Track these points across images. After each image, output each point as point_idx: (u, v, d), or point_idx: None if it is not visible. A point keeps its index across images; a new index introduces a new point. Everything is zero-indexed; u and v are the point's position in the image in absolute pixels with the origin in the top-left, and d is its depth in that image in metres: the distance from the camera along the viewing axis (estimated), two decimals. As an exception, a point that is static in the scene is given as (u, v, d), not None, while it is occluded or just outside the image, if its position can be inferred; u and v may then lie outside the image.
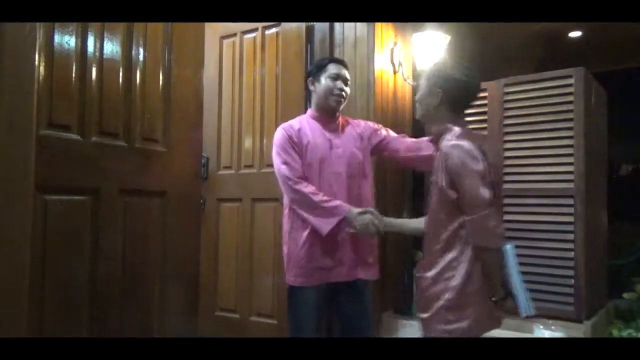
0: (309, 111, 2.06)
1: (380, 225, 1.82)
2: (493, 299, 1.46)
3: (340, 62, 2.06)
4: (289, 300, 1.96)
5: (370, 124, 2.14)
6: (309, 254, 1.89)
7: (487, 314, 1.46)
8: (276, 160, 1.93)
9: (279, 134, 1.97)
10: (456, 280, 1.44)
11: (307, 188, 1.86)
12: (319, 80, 2.01)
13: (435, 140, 1.61)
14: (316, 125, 1.99)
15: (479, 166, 1.43)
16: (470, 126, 2.59)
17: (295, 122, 2.01)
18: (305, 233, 1.89)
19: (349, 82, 2.05)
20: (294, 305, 1.94)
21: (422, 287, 1.54)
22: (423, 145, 2.00)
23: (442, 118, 1.59)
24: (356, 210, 1.84)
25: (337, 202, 1.85)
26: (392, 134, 2.12)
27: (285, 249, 1.97)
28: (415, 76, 2.85)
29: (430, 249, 1.55)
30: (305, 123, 2.00)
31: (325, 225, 1.83)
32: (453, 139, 1.50)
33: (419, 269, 1.60)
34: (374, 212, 1.85)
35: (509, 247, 1.46)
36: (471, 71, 1.59)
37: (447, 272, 1.46)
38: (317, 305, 1.92)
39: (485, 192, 1.42)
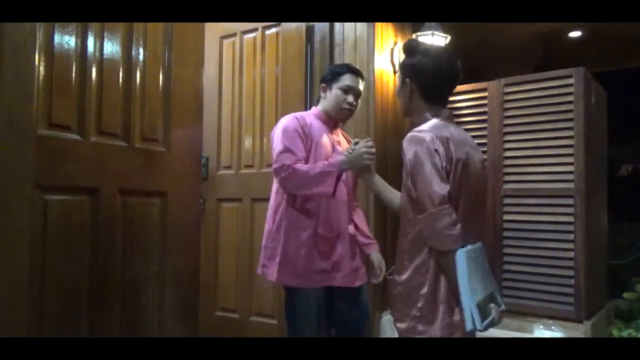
0: (315, 110, 2.01)
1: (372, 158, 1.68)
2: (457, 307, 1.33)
3: (357, 73, 1.98)
4: (288, 302, 1.92)
5: None
6: (308, 256, 1.83)
7: (458, 324, 1.34)
8: (279, 144, 1.84)
9: (289, 121, 1.89)
10: (425, 287, 1.36)
11: (297, 166, 1.78)
12: (330, 88, 1.95)
13: None
14: (322, 125, 1.97)
15: (433, 159, 1.32)
16: (470, 126, 2.62)
17: (306, 115, 1.97)
18: (306, 233, 1.84)
19: (361, 95, 1.99)
20: (295, 307, 1.89)
21: (394, 293, 1.45)
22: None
23: (420, 110, 1.49)
24: (343, 155, 1.77)
25: (324, 162, 1.81)
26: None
27: (278, 247, 1.86)
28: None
29: (400, 250, 1.47)
30: (314, 120, 1.96)
31: (327, 187, 1.76)
32: (414, 131, 1.40)
33: (391, 270, 1.51)
34: (367, 141, 1.73)
35: (459, 252, 1.29)
36: (443, 57, 1.49)
37: (416, 278, 1.38)
38: (318, 307, 1.88)
39: (438, 189, 1.30)
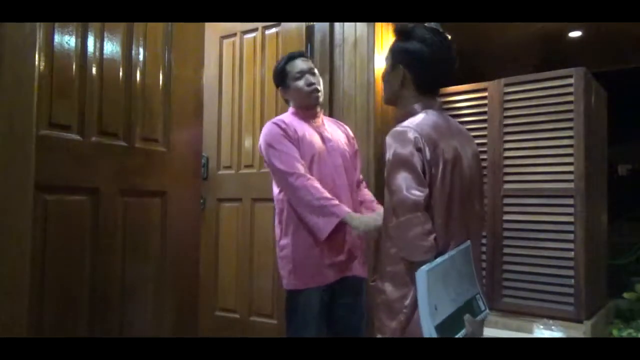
0: (291, 109, 2.00)
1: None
2: None
3: (296, 56, 1.98)
4: (290, 305, 1.87)
5: (350, 132, 2.13)
6: (321, 254, 1.82)
7: None
8: (271, 156, 1.83)
9: (270, 128, 1.88)
10: (408, 299, 1.26)
11: (309, 182, 1.76)
12: (287, 86, 1.95)
13: None
14: (300, 122, 1.94)
15: (412, 161, 1.21)
16: (470, 126, 2.62)
17: (284, 117, 1.95)
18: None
19: (315, 70, 1.97)
20: (297, 310, 1.85)
21: (377, 302, 1.36)
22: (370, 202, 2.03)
23: (408, 99, 1.38)
24: (355, 214, 1.79)
25: (337, 202, 1.77)
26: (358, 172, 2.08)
27: (287, 251, 1.85)
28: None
29: (382, 254, 1.38)
30: (291, 119, 1.94)
31: (324, 227, 1.73)
32: (399, 127, 1.29)
33: (375, 277, 1.41)
34: (378, 214, 1.73)
35: (420, 271, 1.16)
36: (441, 44, 1.38)
37: (399, 288, 1.29)
38: (321, 308, 1.85)
39: (411, 194, 1.19)
